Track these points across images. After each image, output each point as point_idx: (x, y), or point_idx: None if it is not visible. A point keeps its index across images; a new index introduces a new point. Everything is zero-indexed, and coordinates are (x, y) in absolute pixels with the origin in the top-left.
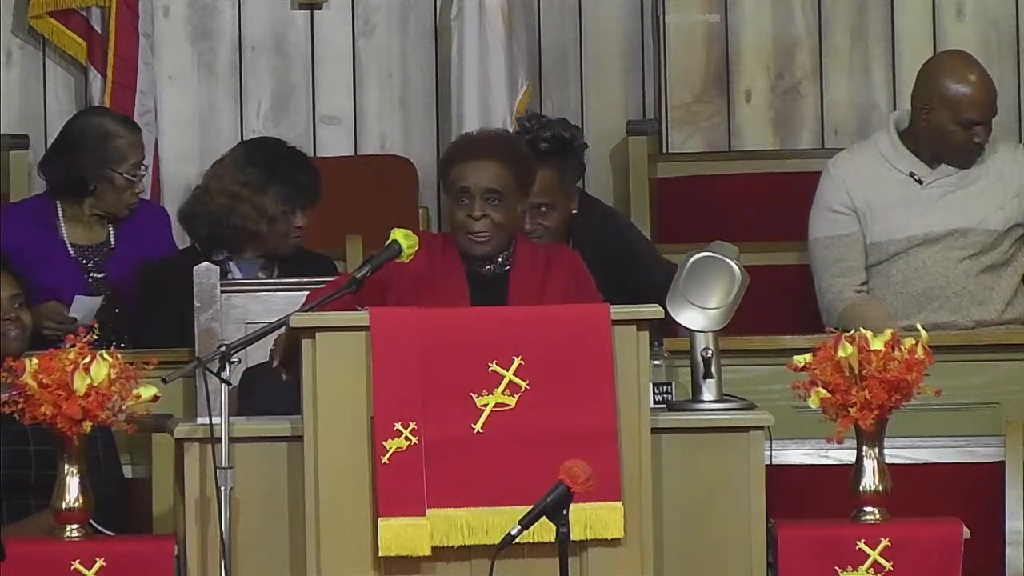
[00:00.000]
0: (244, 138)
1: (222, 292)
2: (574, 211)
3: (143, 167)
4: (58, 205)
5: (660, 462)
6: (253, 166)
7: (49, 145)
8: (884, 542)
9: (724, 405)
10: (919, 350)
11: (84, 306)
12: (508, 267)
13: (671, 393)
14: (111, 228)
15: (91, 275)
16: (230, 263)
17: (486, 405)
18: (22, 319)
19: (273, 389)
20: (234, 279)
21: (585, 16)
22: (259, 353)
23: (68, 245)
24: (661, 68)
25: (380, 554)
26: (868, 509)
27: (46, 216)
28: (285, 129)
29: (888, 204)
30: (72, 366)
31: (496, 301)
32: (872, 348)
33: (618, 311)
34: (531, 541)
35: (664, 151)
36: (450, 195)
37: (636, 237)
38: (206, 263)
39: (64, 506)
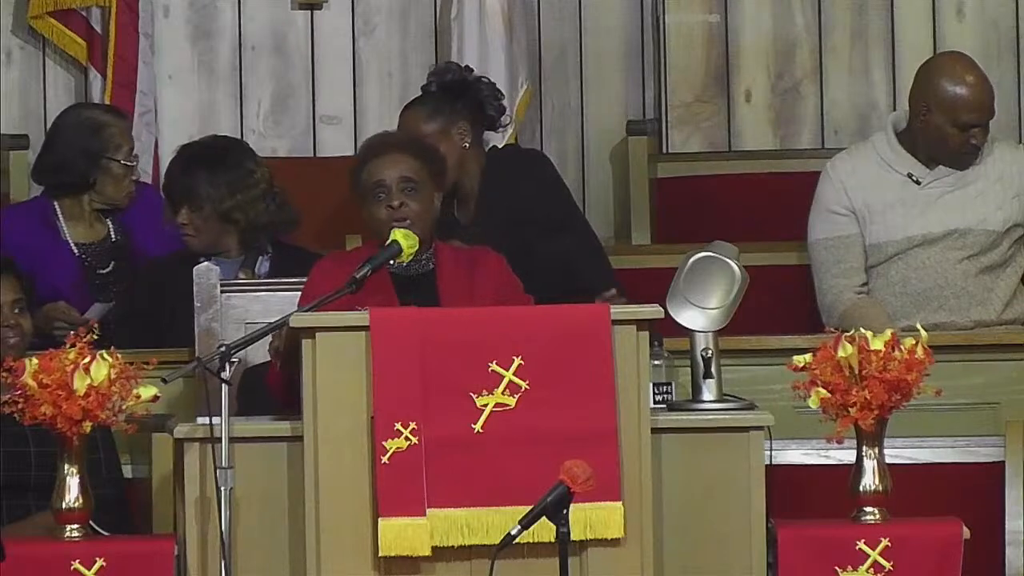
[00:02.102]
0: (244, 138)
1: (222, 292)
2: (465, 145)
3: (135, 155)
4: (56, 205)
5: (660, 462)
6: None
7: (42, 147)
8: (884, 542)
9: (724, 405)
10: (919, 350)
11: (99, 312)
12: (432, 267)
13: (671, 393)
14: (111, 223)
15: (97, 272)
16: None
17: (486, 405)
18: (22, 325)
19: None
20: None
21: (585, 16)
22: (259, 353)
23: (72, 244)
24: (661, 68)
25: (380, 554)
26: (868, 509)
27: (47, 216)
28: (285, 129)
29: (887, 205)
30: (72, 366)
31: (425, 300)
32: (872, 348)
33: (618, 311)
34: (531, 541)
35: (664, 151)
36: (366, 196)
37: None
38: (206, 263)
39: (64, 506)
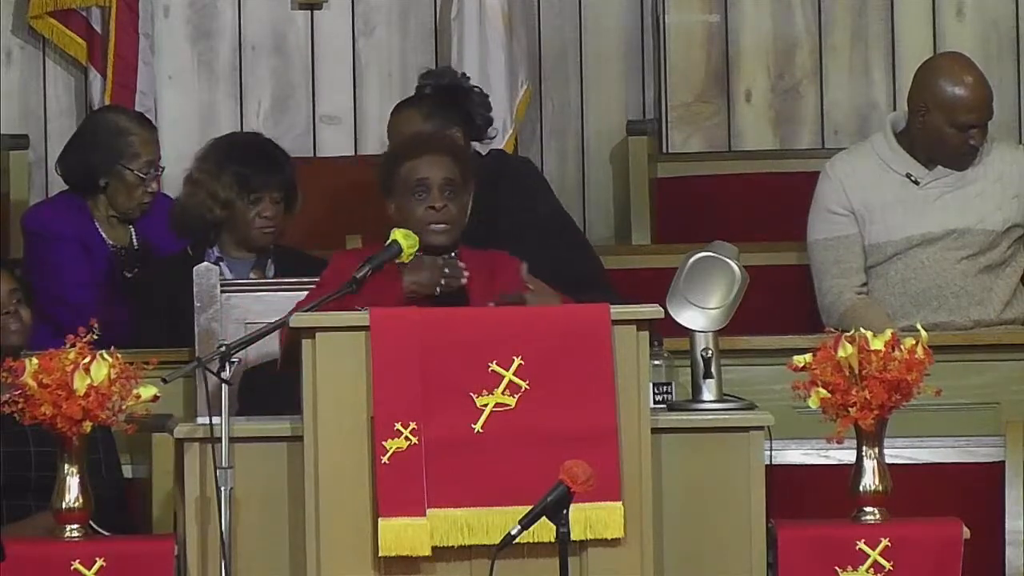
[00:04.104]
0: None
1: (222, 292)
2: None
3: (159, 167)
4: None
5: (660, 462)
6: (214, 152)
7: (68, 141)
8: (884, 542)
9: (724, 405)
10: (919, 350)
11: None
12: None
13: (671, 393)
14: (132, 229)
15: (124, 274)
16: (221, 263)
17: (486, 405)
18: (21, 314)
19: (273, 389)
20: (225, 279)
21: (585, 16)
22: (259, 353)
23: (108, 241)
24: (661, 68)
25: (380, 554)
26: (868, 509)
27: (84, 210)
28: (285, 129)
29: (886, 205)
30: (72, 366)
31: (455, 302)
32: (872, 348)
33: (618, 311)
34: (531, 541)
35: (664, 151)
36: (403, 192)
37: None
38: (206, 263)
39: (64, 506)
